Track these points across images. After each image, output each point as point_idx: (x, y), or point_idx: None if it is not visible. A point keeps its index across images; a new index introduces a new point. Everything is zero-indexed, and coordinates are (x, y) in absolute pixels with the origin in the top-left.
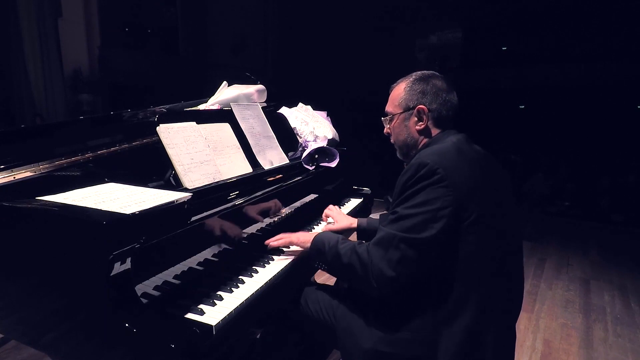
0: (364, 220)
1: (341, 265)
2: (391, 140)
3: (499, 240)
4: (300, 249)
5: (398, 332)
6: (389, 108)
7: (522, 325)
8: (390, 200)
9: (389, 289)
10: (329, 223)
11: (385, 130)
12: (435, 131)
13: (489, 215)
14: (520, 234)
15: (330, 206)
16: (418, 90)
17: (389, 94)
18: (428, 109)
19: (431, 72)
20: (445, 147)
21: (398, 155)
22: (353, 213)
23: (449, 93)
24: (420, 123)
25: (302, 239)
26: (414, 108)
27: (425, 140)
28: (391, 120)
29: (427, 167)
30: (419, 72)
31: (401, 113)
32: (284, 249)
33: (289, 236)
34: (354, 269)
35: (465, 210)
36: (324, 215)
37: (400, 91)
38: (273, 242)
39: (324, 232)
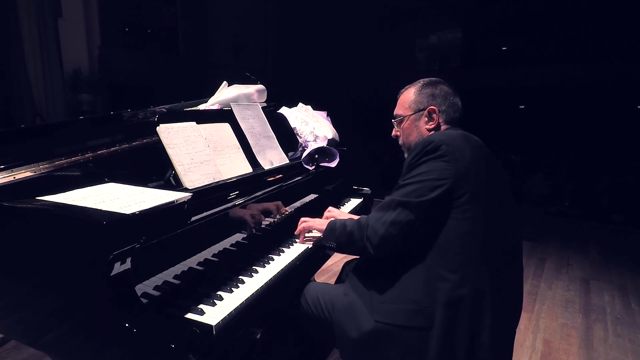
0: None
1: (345, 235)
2: (400, 142)
3: (496, 226)
4: (318, 234)
5: (397, 304)
6: (398, 111)
7: (522, 325)
8: None
9: (379, 248)
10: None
11: (393, 133)
12: (444, 128)
13: (485, 199)
14: (519, 229)
15: (330, 207)
16: (428, 94)
17: (396, 98)
18: (438, 110)
19: (437, 78)
20: (453, 132)
21: (406, 156)
22: (353, 213)
23: (454, 97)
24: (431, 123)
25: (319, 222)
26: (424, 109)
27: None
28: (401, 122)
29: (432, 144)
30: (426, 79)
31: (412, 114)
32: (285, 249)
33: (309, 222)
34: (353, 234)
35: (461, 188)
36: (323, 217)
37: (410, 95)
38: (297, 231)
39: (334, 219)
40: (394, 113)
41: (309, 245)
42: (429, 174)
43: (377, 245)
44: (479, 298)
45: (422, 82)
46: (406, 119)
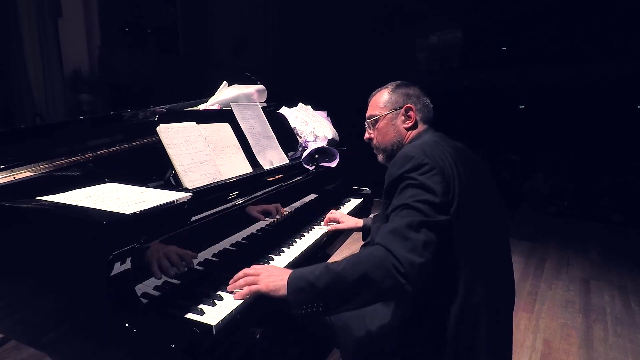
0: (368, 220)
1: (347, 287)
2: (374, 144)
3: (484, 228)
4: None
5: (396, 323)
6: (373, 112)
7: (522, 325)
8: None
9: (420, 279)
10: (335, 224)
11: (366, 136)
12: (421, 127)
13: (470, 203)
14: (506, 228)
15: (333, 210)
16: (403, 93)
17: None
18: (415, 108)
19: (405, 81)
20: (424, 141)
21: (380, 159)
22: (353, 213)
23: (426, 98)
24: (408, 121)
25: (273, 284)
26: (401, 108)
27: (413, 134)
28: (376, 122)
29: (413, 159)
30: (397, 81)
31: (388, 113)
32: (285, 249)
33: (254, 283)
34: (368, 279)
35: (452, 195)
36: (326, 219)
37: (384, 95)
38: (233, 286)
39: (297, 270)
40: (368, 114)
41: (290, 259)
42: (434, 188)
43: (416, 275)
44: (475, 305)
45: (394, 84)
46: (382, 118)
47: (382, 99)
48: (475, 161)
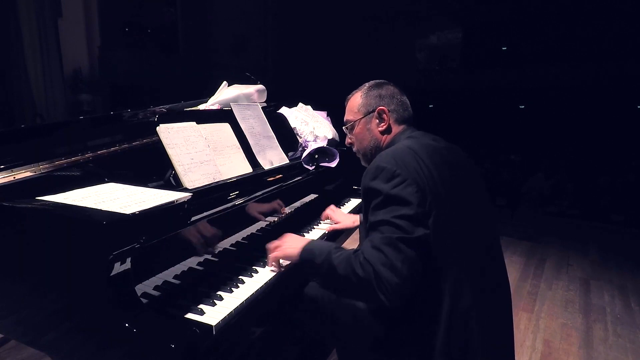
0: None
1: (338, 278)
2: (355, 149)
3: (468, 229)
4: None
5: (395, 330)
6: (348, 117)
7: (522, 325)
8: None
9: (398, 297)
10: (333, 223)
11: (347, 141)
12: (396, 128)
13: (449, 206)
14: (494, 226)
15: (332, 206)
16: (375, 95)
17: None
18: (387, 109)
19: (382, 80)
20: (398, 147)
21: (364, 164)
22: (354, 213)
23: (402, 95)
24: (382, 124)
25: (289, 251)
26: (374, 111)
27: (388, 138)
28: (353, 127)
29: (385, 171)
30: (372, 81)
31: (362, 118)
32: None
33: (276, 250)
34: (354, 286)
35: (429, 203)
36: (323, 215)
37: (357, 99)
38: (269, 262)
39: (314, 241)
40: (344, 120)
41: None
42: (407, 204)
43: (394, 293)
44: (464, 309)
45: (367, 85)
46: (357, 123)
47: (355, 104)
48: (455, 161)
